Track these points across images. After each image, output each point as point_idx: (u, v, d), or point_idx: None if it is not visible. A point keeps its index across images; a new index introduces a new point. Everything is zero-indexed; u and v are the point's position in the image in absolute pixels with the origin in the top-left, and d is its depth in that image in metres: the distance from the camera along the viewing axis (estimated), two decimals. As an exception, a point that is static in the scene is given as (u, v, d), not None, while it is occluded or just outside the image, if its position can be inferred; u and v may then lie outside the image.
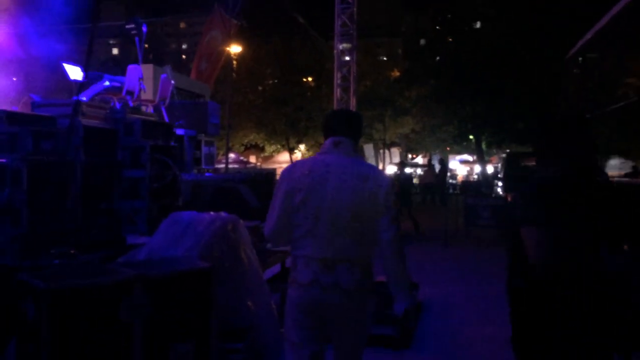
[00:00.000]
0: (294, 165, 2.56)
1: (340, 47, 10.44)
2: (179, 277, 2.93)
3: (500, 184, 12.50)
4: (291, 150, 33.38)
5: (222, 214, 4.30)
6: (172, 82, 8.16)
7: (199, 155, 8.88)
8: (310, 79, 31.23)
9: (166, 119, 8.32)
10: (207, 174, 8.69)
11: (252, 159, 39.03)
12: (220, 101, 24.84)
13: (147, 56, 36.57)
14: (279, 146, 34.36)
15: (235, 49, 26.63)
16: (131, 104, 7.51)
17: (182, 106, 8.73)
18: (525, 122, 23.94)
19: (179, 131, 8.30)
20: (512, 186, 10.86)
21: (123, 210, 4.38)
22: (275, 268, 5.59)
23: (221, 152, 30.74)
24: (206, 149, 8.96)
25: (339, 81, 10.56)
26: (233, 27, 21.04)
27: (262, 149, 36.88)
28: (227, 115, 24.19)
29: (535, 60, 21.57)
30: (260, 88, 31.36)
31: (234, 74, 30.79)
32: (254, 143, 35.36)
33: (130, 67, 7.29)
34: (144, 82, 8.33)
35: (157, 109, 8.27)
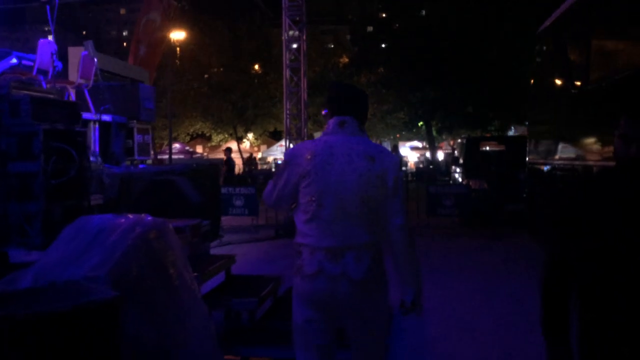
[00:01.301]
0: (298, 147, 2.44)
1: (288, 22, 9.52)
2: (68, 316, 2.02)
3: (458, 170, 11.95)
4: (239, 139, 32.26)
5: (145, 217, 3.38)
6: (95, 59, 7.05)
7: (131, 145, 7.83)
8: (257, 66, 30.14)
9: (90, 104, 7.23)
10: (140, 166, 7.65)
11: (199, 148, 37.67)
12: (163, 89, 23.57)
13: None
14: (226, 135, 33.20)
15: (178, 34, 25.24)
16: (45, 85, 6.40)
17: (110, 89, 7.61)
18: (474, 106, 23.97)
19: (105, 117, 7.22)
20: (474, 173, 10.31)
21: (10, 215, 3.36)
22: (219, 277, 4.70)
23: (165, 142, 29.38)
24: (139, 137, 7.90)
25: (287, 61, 9.66)
26: (172, 9, 19.73)
27: (209, 139, 35.66)
28: (169, 104, 22.94)
29: (484, 44, 21.44)
30: (205, 76, 30.00)
31: (177, 61, 29.33)
32: (200, 132, 34.09)
33: (42, 42, 6.19)
34: (74, 65, 7.23)
35: (78, 92, 7.17)
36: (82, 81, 7.03)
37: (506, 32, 20.46)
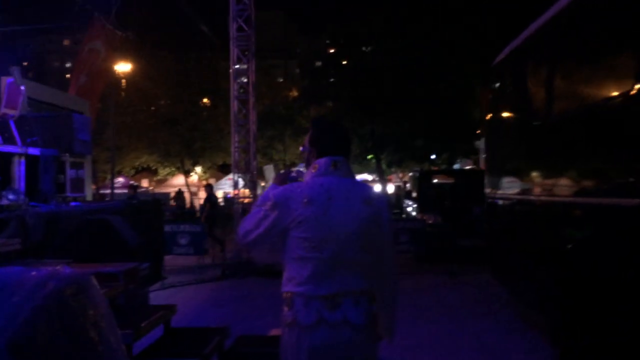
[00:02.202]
0: (290, 189, 2.25)
1: (237, 52, 9.15)
2: None
3: (411, 203, 11.75)
4: (187, 173, 31.40)
5: (63, 269, 2.83)
6: (22, 87, 6.43)
7: (63, 181, 7.17)
8: (205, 99, 29.66)
9: (16, 136, 6.56)
10: (72, 204, 6.98)
11: (145, 182, 36.45)
12: (106, 120, 22.67)
13: (26, 74, 33.07)
14: (173, 169, 32.27)
15: (123, 67, 24.49)
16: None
17: (39, 120, 6.98)
18: (423, 139, 24.27)
19: (32, 150, 6.58)
20: (428, 207, 10.10)
21: None
22: (156, 332, 4.12)
23: (108, 177, 28.18)
24: (72, 172, 7.27)
25: (235, 93, 9.26)
26: (117, 39, 19.11)
27: (155, 172, 34.59)
28: (112, 136, 22.05)
29: (431, 78, 21.86)
30: (153, 108, 29.22)
31: (122, 93, 28.44)
32: (146, 166, 33.03)
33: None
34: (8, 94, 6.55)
35: (2, 122, 6.50)
36: (7, 111, 6.38)
37: (453, 67, 20.89)
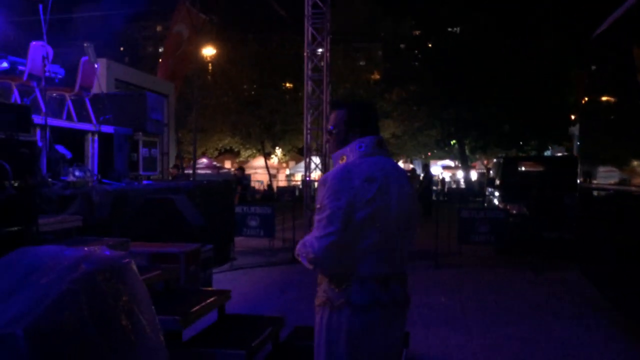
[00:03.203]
0: (346, 170, 2.13)
1: (311, 30, 8.84)
2: None
3: (494, 191, 11.01)
4: (267, 155, 31.81)
5: (101, 250, 2.67)
6: (97, 66, 6.48)
7: (136, 159, 7.22)
8: (289, 84, 29.78)
9: (91, 114, 6.65)
10: (145, 182, 7.02)
11: (227, 164, 37.39)
12: (190, 103, 23.27)
13: (122, 59, 34.78)
14: (254, 151, 32.82)
15: (209, 51, 25.01)
16: (38, 92, 5.84)
17: (113, 98, 7.06)
18: (510, 124, 22.97)
19: (106, 128, 6.64)
20: (513, 196, 9.35)
21: None
22: (210, 317, 3.94)
23: (187, 158, 29.07)
24: (145, 150, 7.29)
25: (309, 72, 8.97)
26: (201, 22, 19.41)
27: (238, 154, 35.36)
28: (194, 118, 22.59)
29: (522, 59, 20.56)
30: (236, 91, 29.74)
31: (209, 77, 29.13)
32: (228, 148, 33.84)
33: (33, 45, 5.62)
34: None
35: (79, 100, 6.61)
36: (81, 89, 6.47)
37: (546, 46, 19.51)
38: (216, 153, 34.07)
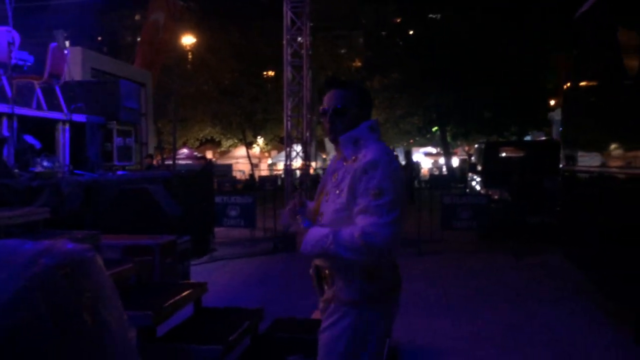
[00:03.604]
0: (388, 152, 2.01)
1: (290, 15, 8.63)
2: None
3: (476, 177, 10.97)
4: (248, 145, 31.52)
5: (63, 244, 2.50)
6: (67, 52, 6.23)
7: (110, 149, 7.00)
8: (270, 72, 29.44)
9: (62, 102, 6.41)
10: (119, 173, 6.81)
11: (209, 154, 37.04)
12: (170, 93, 22.88)
13: (101, 49, 34.03)
14: (235, 140, 32.51)
15: (188, 39, 24.58)
16: (5, 80, 5.59)
17: (84, 86, 6.82)
18: (491, 110, 23.01)
19: (77, 117, 6.41)
20: (494, 181, 9.31)
21: None
22: (186, 311, 3.80)
23: (167, 148, 28.68)
24: (120, 140, 7.08)
25: (289, 58, 8.77)
26: (178, 10, 19.04)
27: (219, 144, 35.04)
28: (173, 108, 22.26)
29: (502, 45, 20.55)
30: (216, 80, 29.34)
31: (188, 66, 28.67)
32: (209, 137, 33.49)
33: (-1, 30, 5.36)
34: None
35: (48, 88, 6.35)
36: (50, 76, 6.22)
37: (526, 31, 19.51)
38: (197, 143, 33.71)
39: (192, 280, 5.70)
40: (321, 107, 2.11)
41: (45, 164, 4.85)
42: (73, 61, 11.57)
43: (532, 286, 6.36)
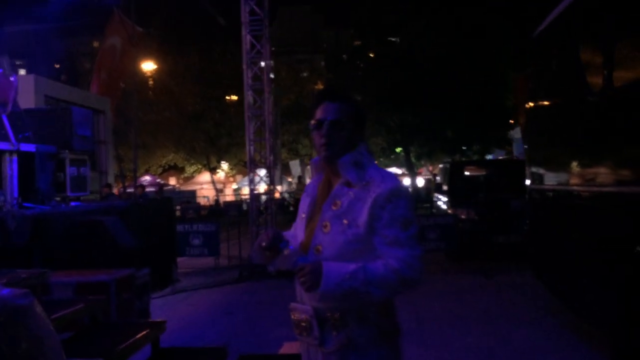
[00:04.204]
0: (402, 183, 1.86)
1: (249, 38, 8.50)
2: None
3: (441, 197, 10.96)
4: (213, 170, 31.10)
5: (-4, 289, 2.24)
6: (13, 79, 5.92)
7: (63, 179, 6.67)
8: (234, 96, 29.27)
9: (9, 132, 6.07)
10: (72, 204, 6.48)
11: (172, 180, 36.38)
12: (130, 119, 22.40)
13: (59, 76, 33.17)
14: (199, 166, 32.06)
15: (148, 65, 24.26)
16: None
17: (33, 114, 6.50)
18: (453, 129, 23.36)
19: (26, 147, 6.09)
20: (461, 201, 9.28)
21: None
22: (144, 352, 3.52)
23: (130, 176, 28.03)
24: (73, 169, 6.76)
25: (249, 81, 8.62)
26: (137, 33, 18.72)
27: (182, 170, 34.50)
28: (134, 134, 21.75)
29: (460, 66, 20.96)
30: (178, 105, 28.97)
31: (150, 92, 28.23)
32: (173, 164, 32.96)
33: None
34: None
35: (-7, 117, 6.02)
36: (-3, 104, 5.89)
37: (484, 52, 19.96)
38: (160, 170, 33.11)
39: (152, 317, 5.41)
40: (313, 121, 1.85)
41: (-12, 197, 4.52)
42: (25, 89, 11.17)
43: (503, 307, 6.26)
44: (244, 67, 8.47)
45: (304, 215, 1.90)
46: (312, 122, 1.84)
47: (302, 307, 1.80)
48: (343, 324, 1.73)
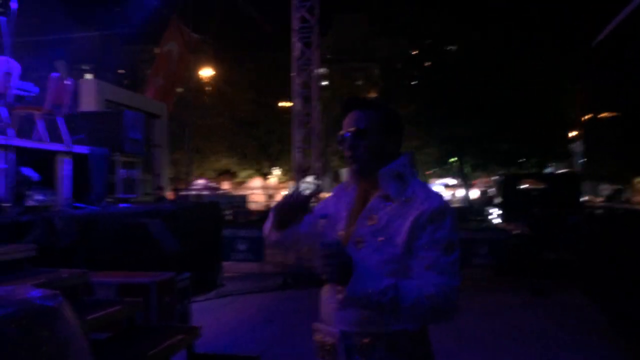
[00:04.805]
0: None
1: (299, 45, 8.53)
2: None
3: (494, 211, 10.60)
4: (264, 176, 31.49)
5: (26, 290, 2.26)
6: (69, 82, 6.12)
7: (114, 181, 6.84)
8: (286, 103, 29.63)
9: (63, 134, 6.28)
10: (121, 206, 6.63)
11: (226, 185, 37.06)
12: (185, 123, 23.03)
13: (121, 82, 34.65)
14: (252, 171, 32.54)
15: (206, 72, 24.92)
16: (3, 110, 5.48)
17: (87, 117, 6.71)
18: (510, 142, 22.68)
19: (80, 149, 6.27)
20: (514, 214, 8.93)
21: None
22: (179, 357, 3.52)
23: (190, 179, 28.75)
24: (123, 172, 6.92)
25: (298, 88, 8.63)
26: (193, 41, 19.22)
27: (235, 175, 35.10)
28: (187, 139, 22.35)
29: (521, 77, 20.39)
30: (232, 111, 29.58)
31: (205, 97, 28.98)
32: (226, 169, 33.61)
33: (-3, 60, 5.27)
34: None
35: (50, 119, 6.24)
36: (53, 107, 6.10)
37: (543, 62, 19.33)
38: (214, 174, 33.82)
39: (193, 321, 5.42)
40: (339, 134, 1.72)
41: (39, 197, 4.66)
42: (87, 93, 11.63)
43: (550, 328, 5.94)
44: (294, 73, 8.50)
45: (331, 224, 1.78)
46: (338, 135, 1.72)
47: (328, 330, 1.67)
48: (371, 350, 1.61)
